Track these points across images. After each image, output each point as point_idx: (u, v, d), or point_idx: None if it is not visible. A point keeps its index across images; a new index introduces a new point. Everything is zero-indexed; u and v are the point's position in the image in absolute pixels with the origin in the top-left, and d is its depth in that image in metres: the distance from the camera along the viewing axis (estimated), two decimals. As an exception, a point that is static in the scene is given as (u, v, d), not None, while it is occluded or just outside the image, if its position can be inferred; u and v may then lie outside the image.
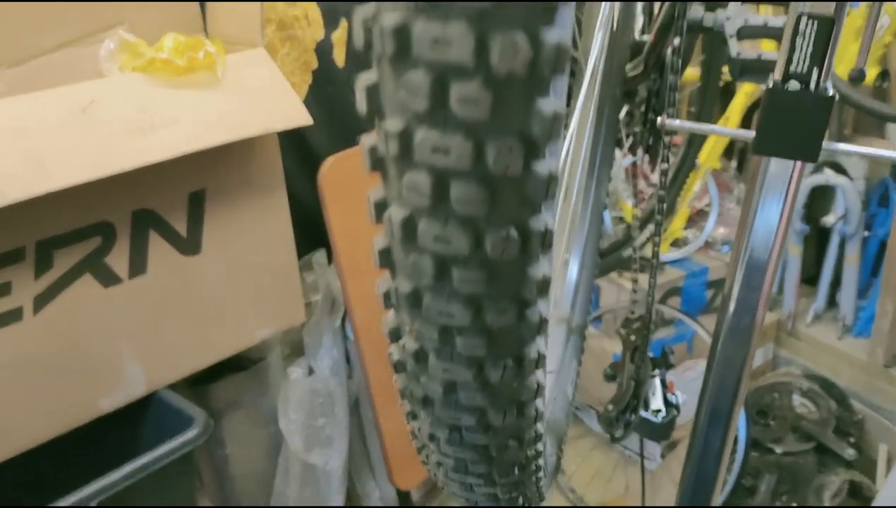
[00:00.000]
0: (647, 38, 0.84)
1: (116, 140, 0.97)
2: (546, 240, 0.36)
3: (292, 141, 1.42)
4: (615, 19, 0.80)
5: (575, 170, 0.71)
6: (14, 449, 1.01)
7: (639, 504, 1.72)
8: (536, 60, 0.30)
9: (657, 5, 0.84)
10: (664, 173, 0.78)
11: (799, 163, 0.61)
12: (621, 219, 2.10)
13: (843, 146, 0.61)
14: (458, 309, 0.38)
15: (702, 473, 0.85)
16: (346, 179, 1.33)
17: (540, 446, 0.52)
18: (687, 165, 1.82)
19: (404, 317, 0.41)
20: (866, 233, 1.94)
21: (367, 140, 0.36)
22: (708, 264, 2.10)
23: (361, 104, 0.34)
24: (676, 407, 0.93)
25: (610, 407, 0.92)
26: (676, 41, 0.74)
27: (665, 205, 0.86)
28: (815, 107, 0.54)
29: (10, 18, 1.11)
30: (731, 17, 0.75)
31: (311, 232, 1.43)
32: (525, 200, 0.34)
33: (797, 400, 1.90)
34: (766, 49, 0.71)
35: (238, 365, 1.43)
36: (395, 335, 0.44)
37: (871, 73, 1.67)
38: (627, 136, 1.01)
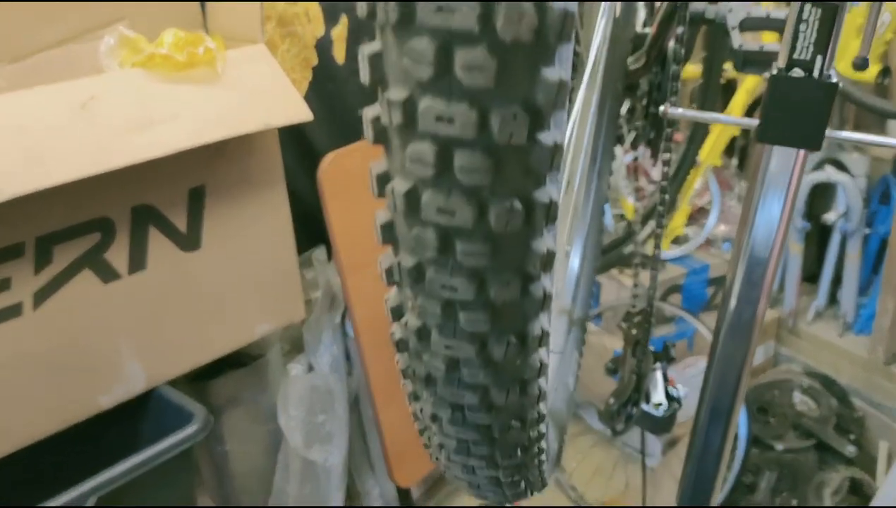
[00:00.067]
0: (649, 30, 0.83)
1: (116, 136, 0.96)
2: (550, 212, 0.36)
3: (292, 137, 1.42)
4: (616, 12, 0.79)
5: (577, 161, 0.70)
6: (13, 446, 1.01)
7: (639, 502, 1.72)
8: (542, 27, 0.30)
9: (659, -1, 0.84)
10: (666, 163, 0.77)
11: (801, 157, 0.61)
12: (622, 217, 2.10)
13: (846, 134, 0.61)
14: (462, 282, 0.38)
15: (702, 470, 0.84)
16: (345, 176, 1.33)
17: (543, 427, 0.52)
18: (688, 162, 1.82)
19: (407, 293, 0.41)
20: (867, 231, 1.94)
21: (370, 111, 0.36)
22: (709, 261, 2.10)
23: (365, 74, 0.34)
24: (678, 400, 0.93)
25: (611, 400, 0.92)
26: (679, 30, 0.73)
27: (667, 196, 0.86)
28: (818, 94, 0.54)
29: (11, 15, 1.11)
30: (734, 9, 0.75)
31: (310, 228, 1.42)
32: (529, 171, 0.34)
33: (798, 397, 1.90)
34: (768, 41, 0.71)
35: (238, 361, 1.43)
36: (398, 313, 0.44)
37: (873, 70, 1.66)
38: (629, 132, 1.01)
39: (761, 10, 0.75)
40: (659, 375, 0.93)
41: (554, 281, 0.42)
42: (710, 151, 1.92)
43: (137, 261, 1.09)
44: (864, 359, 1.91)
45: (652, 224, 1.76)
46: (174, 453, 1.06)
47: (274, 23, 1.37)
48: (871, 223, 1.94)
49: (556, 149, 0.34)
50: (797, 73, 0.55)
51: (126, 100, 1.00)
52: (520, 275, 0.38)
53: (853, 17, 1.56)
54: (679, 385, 0.94)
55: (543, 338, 0.43)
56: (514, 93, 0.32)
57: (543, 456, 0.57)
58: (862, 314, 2.00)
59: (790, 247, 2.06)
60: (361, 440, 1.61)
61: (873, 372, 1.89)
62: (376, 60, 0.34)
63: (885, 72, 1.68)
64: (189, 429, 1.08)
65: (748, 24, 0.73)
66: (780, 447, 1.79)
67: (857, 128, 1.93)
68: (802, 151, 0.60)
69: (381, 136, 0.36)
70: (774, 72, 0.56)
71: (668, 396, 0.92)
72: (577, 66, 0.72)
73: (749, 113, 1.96)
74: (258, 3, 1.18)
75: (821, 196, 1.97)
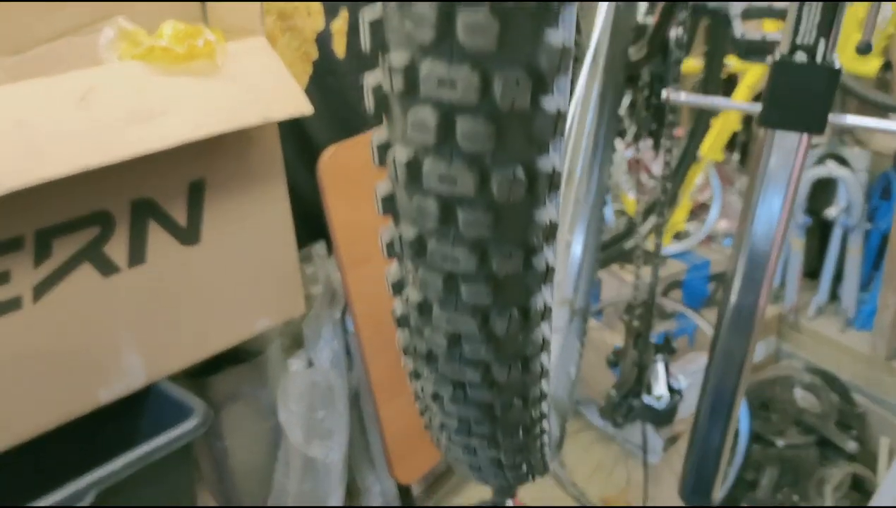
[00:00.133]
0: (651, 20, 0.83)
1: (115, 128, 0.96)
2: (554, 182, 0.36)
3: (292, 132, 1.41)
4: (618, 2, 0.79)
5: (578, 151, 0.70)
6: (12, 441, 1.01)
7: (640, 498, 1.72)
8: None
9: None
10: (668, 153, 0.77)
11: (804, 142, 0.60)
12: (623, 212, 2.10)
13: (850, 118, 0.61)
14: (464, 254, 0.37)
15: (703, 465, 0.84)
16: (346, 169, 1.33)
17: (545, 406, 0.51)
18: (689, 157, 1.82)
19: (408, 267, 0.41)
20: (868, 226, 1.94)
21: (371, 78, 0.35)
22: (710, 257, 2.10)
23: (365, 41, 0.34)
24: (679, 392, 0.92)
25: (613, 392, 0.92)
26: (682, 15, 0.73)
27: (668, 191, 0.86)
28: (821, 78, 0.54)
29: (11, 7, 1.11)
30: None
31: (310, 223, 1.42)
32: (532, 138, 0.34)
33: (799, 393, 1.90)
34: (770, 30, 0.70)
35: (237, 357, 1.43)
36: (398, 287, 0.43)
37: (874, 64, 1.66)
38: (630, 126, 1.01)
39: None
40: (660, 367, 0.93)
41: (556, 251, 0.41)
42: (712, 146, 1.91)
43: (137, 255, 1.09)
44: (865, 355, 1.91)
45: (653, 219, 1.76)
46: (173, 448, 1.06)
47: (274, 17, 1.37)
48: (872, 218, 1.94)
49: (560, 116, 0.33)
50: (800, 57, 0.54)
51: (125, 92, 1.00)
52: (522, 247, 0.38)
53: (854, 11, 1.56)
54: (681, 376, 0.94)
55: (546, 313, 0.43)
56: (516, 56, 0.31)
57: (545, 438, 0.56)
58: (863, 310, 1.99)
59: (791, 242, 2.06)
60: (362, 436, 1.61)
61: (875, 368, 1.89)
62: (377, 26, 0.33)
63: (887, 66, 1.68)
64: (189, 424, 1.08)
65: (750, 13, 0.73)
66: (781, 443, 1.78)
67: (859, 123, 1.92)
68: (805, 136, 0.59)
69: (381, 105, 0.35)
70: (777, 57, 0.55)
71: (670, 388, 0.92)
72: (579, 56, 0.71)
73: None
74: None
75: (822, 191, 1.97)
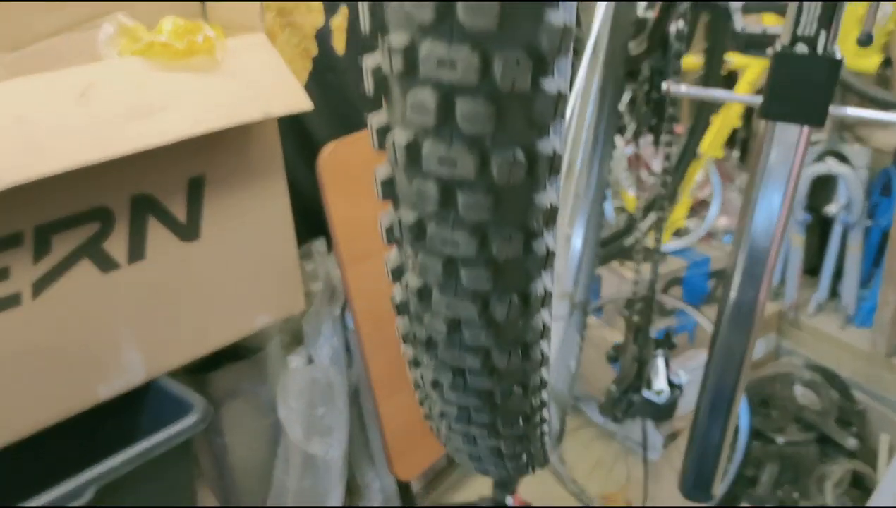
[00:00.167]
0: (651, 14, 0.83)
1: (115, 124, 0.96)
2: (554, 164, 0.36)
3: (292, 128, 1.41)
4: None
5: (578, 145, 0.70)
6: (11, 437, 1.00)
7: (640, 495, 1.72)
8: None
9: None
10: (668, 149, 0.77)
11: (804, 134, 0.60)
12: (623, 209, 2.10)
13: (850, 110, 0.60)
14: (464, 237, 0.37)
15: (703, 461, 0.84)
16: (345, 166, 1.32)
17: (545, 395, 0.51)
18: (689, 154, 1.81)
19: (407, 252, 0.40)
20: (868, 223, 1.94)
21: (370, 60, 0.35)
22: (710, 254, 2.10)
23: (365, 22, 0.34)
24: (679, 387, 0.92)
25: (613, 387, 0.92)
26: (683, 7, 0.73)
27: (668, 188, 0.86)
28: (822, 69, 0.53)
29: (10, 4, 1.11)
30: None
31: (310, 220, 1.42)
32: (533, 120, 0.33)
33: (799, 390, 1.90)
34: (769, 24, 0.70)
35: (237, 354, 1.43)
36: (398, 274, 0.43)
37: (874, 61, 1.66)
38: (630, 122, 1.00)
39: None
40: (660, 362, 0.93)
41: (556, 236, 0.41)
42: (712, 143, 1.91)
43: (136, 251, 1.09)
44: (865, 352, 1.91)
45: (653, 216, 1.76)
46: (173, 444, 1.06)
47: (273, 13, 1.37)
48: (872, 215, 1.94)
49: (560, 98, 0.33)
50: (801, 48, 0.54)
51: (125, 88, 1.00)
52: (522, 230, 0.37)
53: (854, 8, 1.55)
54: (681, 371, 0.93)
55: (546, 299, 0.43)
56: (517, 36, 0.31)
57: (545, 427, 0.56)
58: (863, 306, 1.99)
59: (791, 239, 2.06)
60: (361, 433, 1.61)
61: (875, 365, 1.89)
62: (377, 7, 0.33)
63: (887, 62, 1.68)
64: (188, 420, 1.08)
65: (751, 6, 0.73)
66: (781, 440, 1.78)
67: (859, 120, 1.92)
68: (806, 128, 0.59)
69: (381, 86, 0.35)
70: (778, 47, 0.55)
71: (670, 383, 0.91)
72: (578, 50, 0.71)
73: (750, 108, 1.95)
74: (258, -6, 1.18)
75: (822, 188, 1.97)
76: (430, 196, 0.36)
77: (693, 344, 2.01)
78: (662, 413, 0.92)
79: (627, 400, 0.91)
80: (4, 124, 0.89)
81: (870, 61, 1.65)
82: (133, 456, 1.02)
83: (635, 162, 1.97)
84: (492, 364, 0.44)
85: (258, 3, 1.17)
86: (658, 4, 0.80)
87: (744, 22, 0.70)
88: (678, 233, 2.14)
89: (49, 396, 1.03)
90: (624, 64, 0.83)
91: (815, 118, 0.56)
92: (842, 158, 1.90)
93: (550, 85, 0.33)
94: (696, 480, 0.82)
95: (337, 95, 1.50)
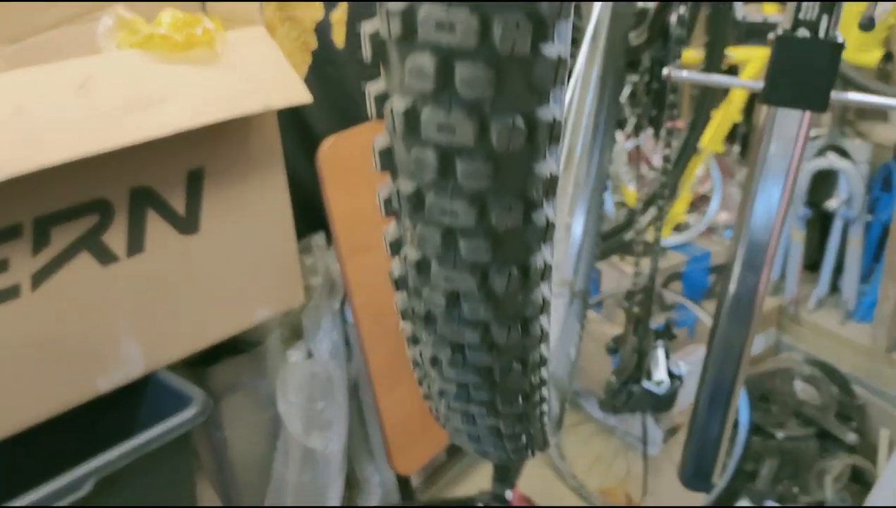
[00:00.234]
0: (652, 4, 0.83)
1: (114, 116, 0.96)
2: (554, 133, 0.35)
3: (291, 122, 1.41)
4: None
5: (577, 133, 0.70)
6: (10, 429, 1.00)
7: (639, 490, 1.72)
8: None
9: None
10: (669, 132, 0.77)
11: (806, 119, 0.60)
12: (623, 204, 2.10)
13: (851, 95, 0.60)
14: (463, 207, 0.36)
15: (702, 453, 0.84)
16: (345, 160, 1.32)
17: (544, 373, 0.51)
18: (689, 149, 1.81)
19: (406, 224, 0.40)
20: (869, 218, 1.93)
21: (369, 26, 0.35)
22: (710, 249, 2.10)
23: None
24: (679, 377, 0.92)
25: (613, 378, 0.92)
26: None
27: (669, 183, 0.86)
28: (824, 53, 0.53)
29: (9, -4, 1.10)
30: None
31: (310, 214, 1.42)
32: (532, 85, 0.33)
33: (799, 385, 1.89)
34: (770, 13, 0.70)
35: (237, 348, 1.43)
36: (396, 247, 0.43)
37: (875, 55, 1.65)
38: (630, 116, 1.00)
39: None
40: (661, 353, 0.93)
41: (557, 207, 0.41)
42: (712, 138, 1.91)
43: (135, 244, 1.08)
44: (865, 347, 1.91)
45: (653, 211, 1.75)
46: (172, 437, 1.06)
47: (273, 6, 1.36)
48: (872, 210, 1.94)
49: (561, 63, 0.33)
50: (802, 32, 0.54)
51: (124, 80, 1.00)
52: (522, 200, 0.37)
53: (854, 6, 1.55)
54: (681, 362, 0.93)
55: (546, 273, 0.42)
56: None
57: (545, 408, 0.55)
58: (863, 301, 1.99)
59: (792, 234, 2.05)
60: (361, 427, 1.61)
61: (875, 360, 1.89)
62: None
63: (888, 57, 1.68)
64: (187, 413, 1.08)
65: (752, -4, 0.72)
66: (781, 435, 1.78)
67: (860, 114, 1.92)
68: (807, 114, 0.59)
69: (379, 52, 0.35)
70: (780, 32, 0.55)
71: (670, 374, 0.91)
72: (577, 39, 0.71)
73: (750, 103, 1.95)
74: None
75: (823, 183, 1.96)
76: (429, 164, 0.35)
77: (693, 339, 2.01)
78: (662, 403, 0.92)
79: (627, 390, 0.91)
80: (4, 116, 0.89)
81: (870, 56, 1.65)
82: (132, 449, 1.01)
83: (636, 156, 1.97)
84: (491, 338, 0.44)
85: (258, -2, 1.17)
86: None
87: (745, 10, 0.70)
88: (678, 228, 2.14)
89: (48, 389, 1.03)
90: (624, 54, 0.83)
91: (816, 103, 0.56)
92: (842, 153, 1.90)
93: (550, 50, 0.32)
94: (695, 470, 0.82)
95: (336, 89, 1.49)
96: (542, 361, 0.49)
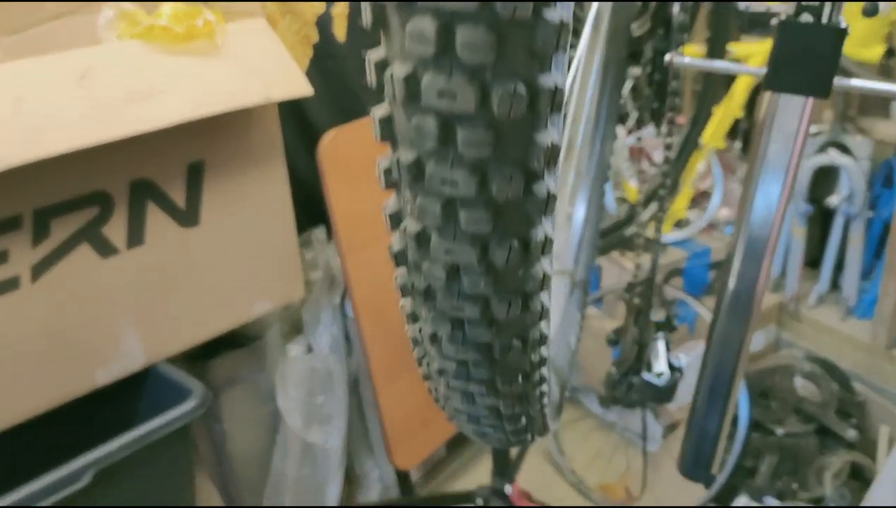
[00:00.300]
0: (654, -4, 0.82)
1: (114, 107, 0.96)
2: (556, 100, 0.35)
3: (292, 115, 1.41)
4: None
5: (578, 123, 0.69)
6: (8, 421, 1.00)
7: (639, 485, 1.72)
8: None
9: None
10: (671, 122, 0.76)
11: (808, 106, 0.60)
12: (624, 200, 2.09)
13: (855, 81, 0.60)
14: (463, 176, 0.36)
15: (701, 446, 0.84)
16: (346, 153, 1.32)
17: (544, 352, 0.51)
18: (690, 145, 1.81)
19: (406, 195, 0.40)
20: (870, 214, 1.93)
21: None
22: (710, 245, 2.09)
23: None
24: (680, 369, 0.92)
25: (613, 370, 0.92)
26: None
27: (670, 179, 0.85)
28: (827, 39, 0.53)
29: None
30: None
31: (310, 208, 1.41)
32: (534, 51, 0.33)
33: (799, 381, 1.89)
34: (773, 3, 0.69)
35: (236, 341, 1.43)
36: (396, 220, 0.43)
37: (878, 51, 1.65)
38: (632, 110, 1.00)
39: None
40: (661, 344, 0.92)
41: (558, 178, 0.40)
42: (713, 134, 1.91)
43: (135, 236, 1.08)
44: (865, 344, 1.91)
45: (654, 206, 1.75)
46: (171, 429, 1.06)
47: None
48: (874, 206, 1.93)
49: (563, 28, 0.33)
50: (806, 18, 0.54)
51: (124, 71, 0.99)
52: (523, 170, 0.37)
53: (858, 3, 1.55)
54: (681, 354, 0.93)
55: (546, 247, 0.42)
56: None
57: (545, 388, 0.55)
58: (864, 298, 1.99)
59: (793, 231, 2.05)
60: (360, 422, 1.61)
61: (875, 357, 1.88)
62: None
63: (890, 52, 1.67)
64: (186, 406, 1.08)
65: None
66: (781, 431, 1.78)
67: (862, 111, 1.92)
68: (810, 101, 0.59)
69: (379, 18, 0.35)
70: (783, 17, 0.55)
71: (670, 365, 0.91)
72: (578, 30, 0.71)
73: (752, 99, 1.95)
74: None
75: (824, 179, 1.96)
76: (430, 132, 0.35)
77: (693, 335, 2.00)
78: (662, 395, 0.92)
79: (627, 382, 0.91)
80: (4, 107, 0.88)
81: (873, 51, 1.65)
82: (131, 441, 1.01)
83: (637, 152, 1.97)
84: (491, 314, 0.44)
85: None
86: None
87: (748, 2, 0.70)
88: (679, 224, 2.14)
89: (47, 380, 1.03)
90: (626, 45, 0.82)
91: (819, 89, 0.56)
92: (844, 149, 1.90)
93: (552, 14, 0.32)
94: (694, 461, 0.82)
95: (338, 82, 1.49)
96: (542, 339, 0.49)
